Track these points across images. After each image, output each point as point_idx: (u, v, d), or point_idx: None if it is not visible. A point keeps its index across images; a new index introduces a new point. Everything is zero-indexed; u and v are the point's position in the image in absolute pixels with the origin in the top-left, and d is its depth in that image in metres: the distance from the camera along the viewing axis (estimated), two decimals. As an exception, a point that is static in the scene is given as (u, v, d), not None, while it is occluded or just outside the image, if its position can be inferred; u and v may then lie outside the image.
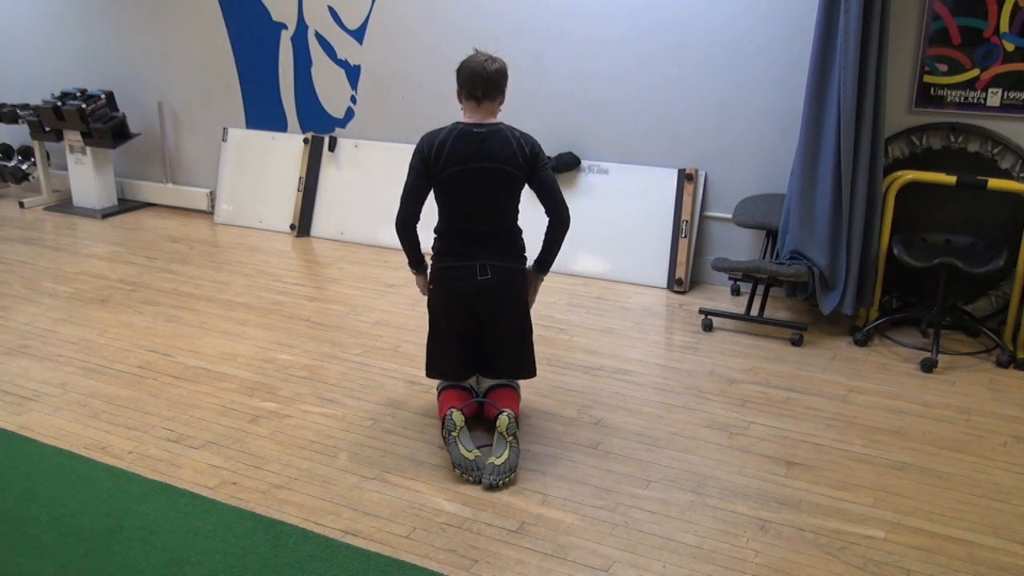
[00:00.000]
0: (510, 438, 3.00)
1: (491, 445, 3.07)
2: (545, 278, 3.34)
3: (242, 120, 6.28)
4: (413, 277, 3.36)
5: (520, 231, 3.21)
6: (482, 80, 3.02)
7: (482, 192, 3.08)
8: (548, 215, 3.16)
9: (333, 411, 3.43)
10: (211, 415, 3.40)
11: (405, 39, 5.54)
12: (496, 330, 3.20)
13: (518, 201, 3.17)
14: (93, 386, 3.64)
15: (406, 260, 3.30)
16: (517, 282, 3.19)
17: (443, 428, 3.07)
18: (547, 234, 3.19)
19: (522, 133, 3.11)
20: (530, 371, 3.32)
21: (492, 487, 2.89)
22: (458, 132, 3.05)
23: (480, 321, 3.18)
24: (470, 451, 2.96)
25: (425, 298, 3.34)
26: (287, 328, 4.29)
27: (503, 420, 3.02)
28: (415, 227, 3.19)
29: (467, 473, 2.92)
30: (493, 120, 3.09)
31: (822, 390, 3.65)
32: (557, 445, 3.17)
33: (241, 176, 6.26)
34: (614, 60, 4.95)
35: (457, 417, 3.03)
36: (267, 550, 2.57)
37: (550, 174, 3.13)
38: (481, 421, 3.29)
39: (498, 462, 2.93)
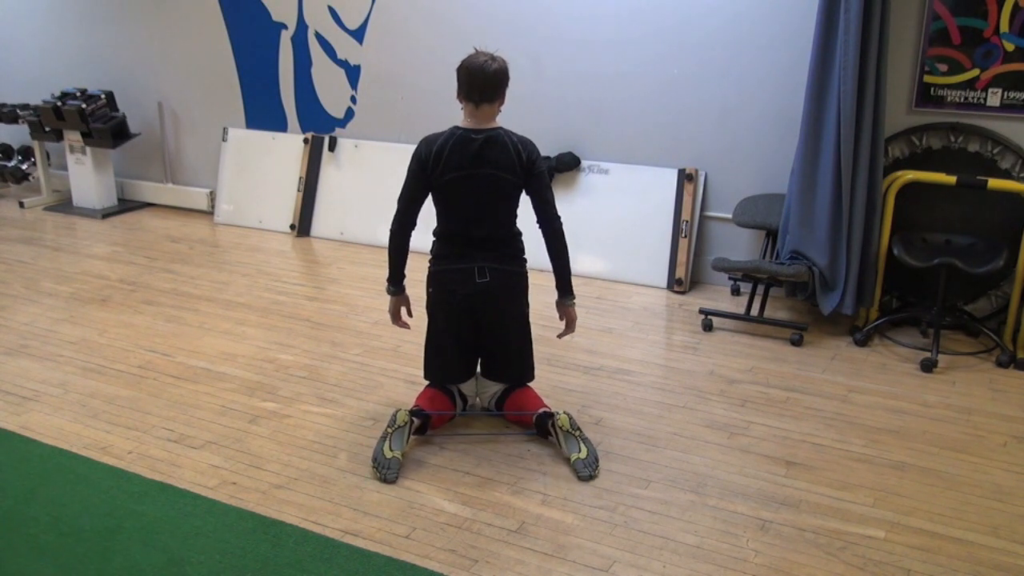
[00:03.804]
0: (577, 431, 3.05)
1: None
2: (559, 289, 3.24)
3: (242, 120, 6.28)
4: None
5: (519, 234, 3.20)
6: (481, 81, 2.99)
7: (480, 197, 3.08)
8: (539, 224, 3.14)
9: (333, 411, 3.43)
10: (211, 415, 3.40)
11: (405, 39, 5.54)
12: (495, 333, 3.21)
13: (516, 205, 3.16)
14: (93, 386, 3.64)
15: (386, 275, 3.29)
16: (516, 285, 3.19)
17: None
18: (549, 252, 3.16)
19: (520, 138, 3.10)
20: (529, 375, 3.32)
21: (591, 478, 2.95)
22: (456, 137, 3.04)
23: (479, 324, 3.18)
24: (392, 450, 2.98)
25: (393, 317, 3.37)
26: (287, 328, 4.29)
27: (564, 420, 3.07)
28: (410, 233, 3.20)
29: (378, 468, 2.95)
30: (491, 124, 3.07)
31: (822, 390, 3.65)
32: (557, 445, 3.17)
33: (241, 176, 6.25)
34: (614, 60, 4.95)
35: (401, 416, 3.05)
36: (267, 550, 2.57)
37: (545, 181, 3.12)
38: (469, 422, 3.29)
39: (582, 456, 2.99)
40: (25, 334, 4.20)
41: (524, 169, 3.06)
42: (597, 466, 2.99)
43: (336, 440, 3.21)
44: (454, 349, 3.22)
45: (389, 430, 3.03)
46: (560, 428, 3.06)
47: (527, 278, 3.24)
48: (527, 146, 3.09)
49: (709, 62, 4.73)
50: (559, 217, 3.13)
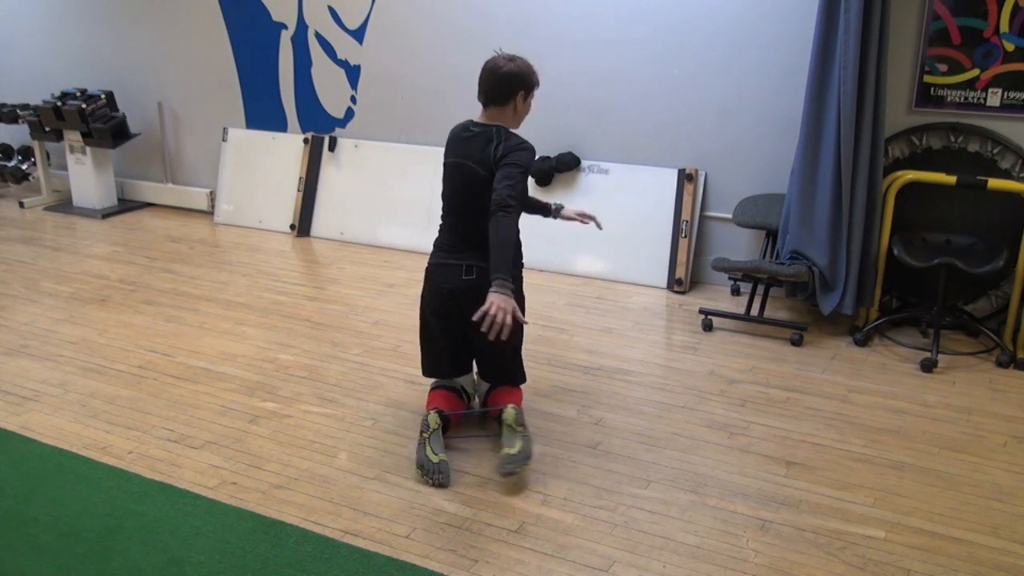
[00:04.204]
0: (520, 428, 2.99)
1: (491, 436, 3.06)
2: (518, 284, 3.00)
3: (242, 120, 6.28)
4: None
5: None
6: (490, 82, 3.02)
7: (458, 189, 3.09)
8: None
9: (333, 411, 3.43)
10: (211, 415, 3.40)
11: (405, 39, 5.54)
12: (481, 333, 3.19)
13: None
14: (93, 386, 3.64)
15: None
16: None
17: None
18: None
19: (510, 136, 3.02)
20: (517, 377, 3.28)
21: (511, 474, 2.87)
22: (461, 126, 3.11)
23: (465, 320, 3.16)
24: (436, 454, 2.93)
25: None
26: (287, 328, 4.29)
27: (509, 413, 3.02)
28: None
29: (428, 475, 2.90)
30: (498, 123, 3.07)
31: (822, 390, 3.65)
32: (557, 445, 3.17)
33: (241, 176, 6.26)
34: (614, 60, 4.95)
35: (432, 419, 3.01)
36: (267, 550, 2.57)
37: (510, 171, 2.92)
38: (483, 422, 3.29)
39: (513, 451, 2.91)
40: (25, 334, 4.20)
41: (495, 163, 2.98)
42: (524, 464, 2.89)
43: (336, 440, 3.21)
44: (443, 342, 3.21)
45: (425, 435, 2.98)
46: (504, 420, 3.02)
47: (519, 282, 3.17)
48: (513, 143, 2.99)
49: (709, 62, 4.73)
50: (502, 203, 2.87)
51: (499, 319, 2.75)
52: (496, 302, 2.76)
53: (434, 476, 2.89)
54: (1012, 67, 4.02)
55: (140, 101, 6.60)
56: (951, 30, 4.10)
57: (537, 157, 5.10)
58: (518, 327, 3.21)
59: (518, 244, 3.12)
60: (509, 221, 2.88)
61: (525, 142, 3.05)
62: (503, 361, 3.23)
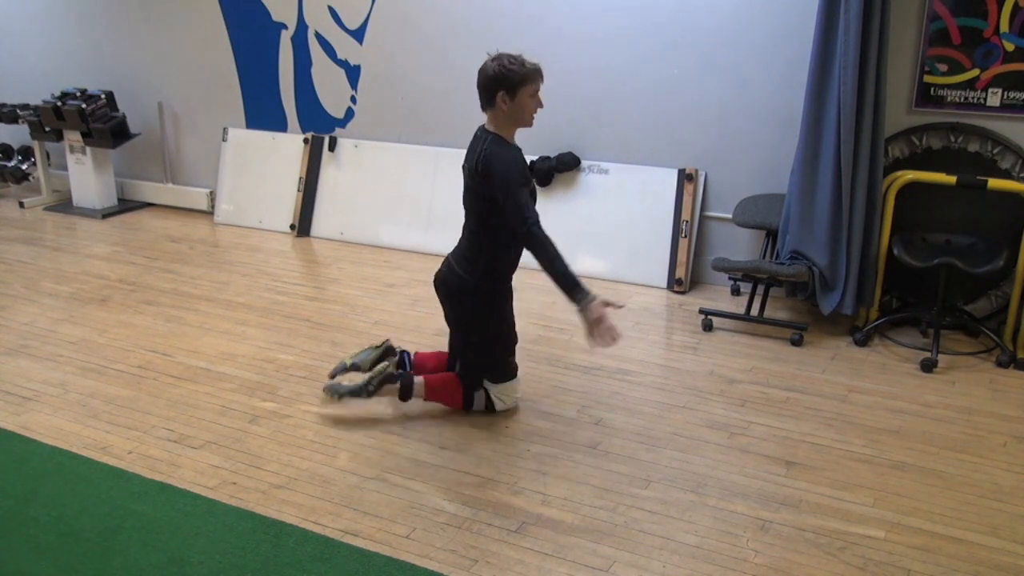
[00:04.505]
0: (374, 377, 3.26)
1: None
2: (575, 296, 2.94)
3: (242, 120, 6.28)
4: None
5: (480, 246, 3.13)
6: (477, 87, 3.08)
7: (463, 190, 3.22)
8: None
9: (333, 411, 3.43)
10: (211, 415, 3.40)
11: (405, 39, 5.54)
12: (449, 323, 3.39)
13: (479, 211, 3.09)
14: (93, 386, 3.64)
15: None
16: (458, 289, 3.20)
17: None
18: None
19: (492, 143, 3.01)
20: (469, 380, 3.33)
21: (324, 391, 3.34)
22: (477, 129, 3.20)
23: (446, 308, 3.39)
24: (351, 360, 3.41)
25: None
26: (287, 328, 4.29)
27: (380, 366, 3.31)
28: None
29: (336, 369, 3.43)
30: (492, 128, 3.11)
31: (822, 390, 3.65)
32: (557, 445, 3.17)
33: (241, 176, 6.26)
34: (614, 59, 4.95)
35: (381, 341, 3.51)
36: (267, 550, 2.57)
37: (503, 198, 2.95)
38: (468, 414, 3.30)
39: (349, 383, 3.28)
40: (25, 334, 4.20)
41: (479, 175, 3.02)
42: (338, 395, 3.28)
43: (336, 440, 3.21)
44: (448, 324, 3.41)
45: (367, 347, 3.47)
46: (376, 366, 3.33)
47: (478, 291, 3.17)
48: (490, 153, 2.99)
49: (709, 61, 4.73)
50: (526, 220, 2.93)
51: (601, 333, 2.87)
52: (586, 321, 2.88)
53: (336, 368, 3.43)
54: (1012, 67, 4.02)
55: (140, 101, 6.59)
56: (951, 30, 4.10)
57: (537, 157, 5.12)
58: (468, 329, 3.31)
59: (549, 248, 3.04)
60: (535, 242, 2.93)
61: (500, 150, 3.01)
62: (463, 355, 3.35)
